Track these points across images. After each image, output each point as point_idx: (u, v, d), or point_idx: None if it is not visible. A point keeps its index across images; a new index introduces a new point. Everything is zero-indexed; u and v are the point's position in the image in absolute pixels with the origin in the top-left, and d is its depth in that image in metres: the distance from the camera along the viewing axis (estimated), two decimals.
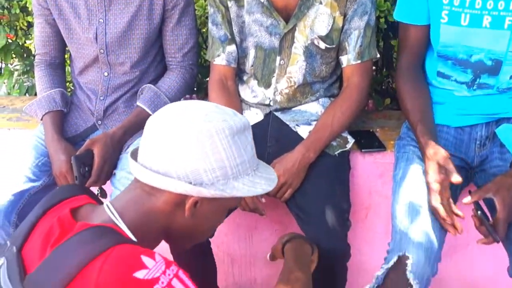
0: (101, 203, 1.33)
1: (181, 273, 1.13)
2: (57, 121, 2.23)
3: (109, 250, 1.09)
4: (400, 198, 1.89)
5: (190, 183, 1.22)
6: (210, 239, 2.20)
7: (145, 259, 1.10)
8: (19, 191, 2.04)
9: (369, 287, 1.84)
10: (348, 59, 2.12)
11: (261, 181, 1.32)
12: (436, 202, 1.77)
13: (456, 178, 1.77)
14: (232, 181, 1.26)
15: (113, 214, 1.23)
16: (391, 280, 1.78)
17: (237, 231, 2.55)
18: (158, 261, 1.11)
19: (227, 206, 1.35)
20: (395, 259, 1.75)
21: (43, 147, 2.21)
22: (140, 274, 1.08)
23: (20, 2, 3.02)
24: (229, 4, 2.10)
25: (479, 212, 1.74)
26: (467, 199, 1.76)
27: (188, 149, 1.21)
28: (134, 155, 1.34)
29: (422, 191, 1.85)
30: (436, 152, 1.84)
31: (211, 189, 1.23)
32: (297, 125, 2.17)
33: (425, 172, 1.85)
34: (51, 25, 2.30)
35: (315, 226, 1.93)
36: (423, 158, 1.90)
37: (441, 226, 1.80)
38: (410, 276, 1.72)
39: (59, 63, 2.41)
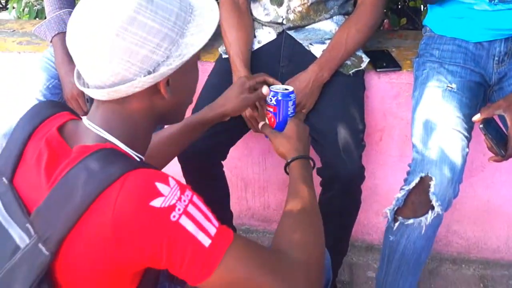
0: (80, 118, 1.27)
1: (195, 198, 1.10)
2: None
3: (122, 178, 1.05)
4: (421, 117, 1.85)
5: (150, 72, 1.15)
6: (222, 162, 2.19)
7: (160, 186, 1.06)
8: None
9: (388, 210, 1.83)
10: None
11: (204, 18, 1.22)
12: None
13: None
14: (180, 39, 1.17)
15: (100, 131, 1.18)
16: (412, 202, 1.76)
17: (250, 155, 2.54)
18: (172, 186, 1.07)
19: (195, 61, 1.28)
20: (417, 180, 1.73)
21: (53, 69, 2.18)
22: (156, 203, 1.04)
23: None
24: None
25: (481, 125, 1.67)
26: (477, 116, 1.70)
27: (124, 44, 1.12)
28: (80, 80, 1.27)
29: (444, 109, 1.81)
30: None
31: (171, 62, 1.16)
32: (310, 43, 2.11)
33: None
34: None
35: (330, 147, 1.91)
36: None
37: (464, 146, 1.76)
38: (432, 197, 1.70)
39: None
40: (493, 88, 1.99)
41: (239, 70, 2.03)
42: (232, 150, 2.18)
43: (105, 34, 1.11)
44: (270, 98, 1.60)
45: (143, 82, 1.15)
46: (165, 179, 1.08)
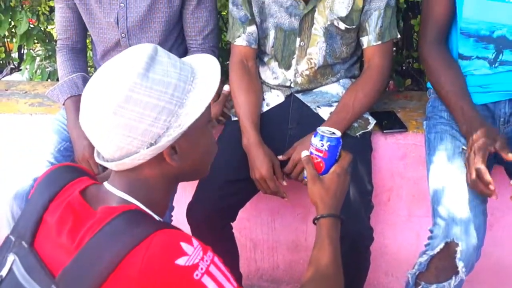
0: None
1: (216, 259, 1.14)
2: (79, 106, 2.22)
3: (149, 239, 1.10)
4: (439, 181, 1.86)
5: (151, 144, 1.19)
6: (232, 223, 2.20)
7: (185, 246, 1.11)
8: (40, 176, 2.05)
9: (410, 274, 1.82)
10: (368, 40, 2.10)
11: (205, 83, 1.25)
12: (480, 163, 1.73)
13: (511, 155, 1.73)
14: (180, 110, 1.20)
15: (122, 194, 1.22)
16: (435, 267, 1.75)
17: (259, 216, 2.55)
18: (196, 247, 1.12)
19: (203, 126, 1.29)
20: (441, 245, 1.72)
21: (65, 132, 2.22)
22: (181, 261, 1.09)
23: None
24: None
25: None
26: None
27: (123, 121, 1.16)
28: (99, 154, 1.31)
29: (463, 172, 1.82)
30: (490, 131, 1.81)
31: (171, 133, 1.19)
32: (318, 106, 2.16)
33: (467, 140, 1.83)
34: (72, 10, 2.30)
35: None
36: (464, 133, 1.88)
37: (485, 209, 1.77)
38: (459, 263, 1.70)
39: (81, 48, 2.41)
40: None
41: (248, 131, 2.06)
42: (241, 211, 2.20)
43: (103, 113, 1.17)
44: (322, 143, 1.52)
45: (144, 155, 1.19)
46: (189, 239, 1.12)
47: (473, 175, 1.72)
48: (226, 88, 2.00)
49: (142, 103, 1.16)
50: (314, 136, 1.52)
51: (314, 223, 1.47)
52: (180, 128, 1.20)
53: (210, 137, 1.34)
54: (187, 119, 1.20)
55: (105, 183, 1.26)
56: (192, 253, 1.10)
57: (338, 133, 1.54)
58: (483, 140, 1.77)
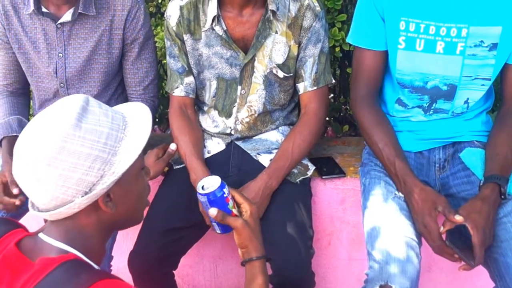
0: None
1: None
2: (13, 145, 2.19)
3: None
4: (372, 226, 1.90)
5: (86, 192, 1.20)
6: (174, 271, 2.19)
7: None
8: None
9: None
10: (304, 86, 2.15)
11: (137, 131, 1.27)
12: (441, 249, 1.80)
13: (459, 217, 1.76)
14: (113, 158, 1.21)
15: (59, 244, 1.22)
16: None
17: (201, 262, 2.54)
18: None
19: (136, 173, 1.30)
20: None
21: None
22: None
23: None
24: (185, 37, 2.12)
25: (447, 242, 1.76)
26: (440, 229, 1.78)
27: (57, 172, 1.17)
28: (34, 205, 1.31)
29: (394, 218, 1.87)
30: (426, 194, 1.86)
31: (105, 181, 1.21)
32: (258, 153, 2.19)
33: (415, 219, 1.86)
34: (13, 58, 2.29)
35: (280, 254, 1.93)
36: (401, 192, 1.93)
37: (418, 253, 1.81)
38: None
39: (22, 93, 2.40)
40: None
41: (195, 167, 2.08)
42: (183, 258, 2.19)
43: (37, 164, 1.17)
44: (206, 204, 1.49)
45: (79, 204, 1.20)
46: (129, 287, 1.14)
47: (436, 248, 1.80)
48: (172, 147, 2.04)
49: (76, 153, 1.17)
50: (198, 196, 1.51)
51: (243, 265, 1.48)
52: (114, 175, 1.21)
53: (143, 183, 1.35)
54: (121, 167, 1.22)
55: (41, 234, 1.25)
56: None
57: (217, 182, 1.50)
58: (426, 211, 1.82)
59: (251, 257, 1.46)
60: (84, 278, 1.12)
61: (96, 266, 1.24)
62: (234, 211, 1.50)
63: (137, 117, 1.30)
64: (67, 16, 2.15)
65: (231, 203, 1.50)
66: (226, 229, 1.52)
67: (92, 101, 1.25)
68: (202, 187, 1.50)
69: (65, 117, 1.18)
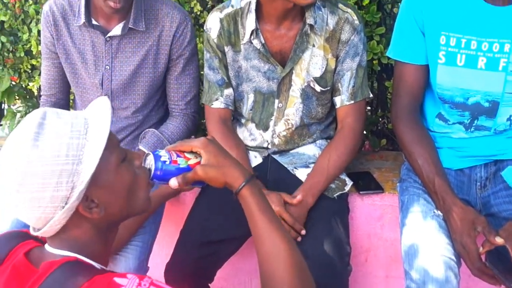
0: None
1: (155, 281, 1.13)
2: None
3: (88, 283, 1.11)
4: (410, 244, 1.86)
5: (62, 206, 1.19)
6: (209, 284, 2.19)
7: (118, 280, 1.11)
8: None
9: None
10: (341, 100, 2.13)
11: (97, 132, 1.23)
12: (480, 271, 1.76)
13: (499, 239, 1.72)
14: (79, 167, 1.19)
15: (63, 251, 1.23)
16: None
17: (236, 275, 2.53)
18: (130, 278, 1.12)
19: (114, 169, 1.26)
20: None
21: None
22: None
23: (25, 46, 3.07)
24: (226, 49, 2.12)
25: (487, 263, 1.73)
26: (480, 250, 1.74)
27: (28, 196, 1.17)
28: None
29: (432, 236, 1.84)
30: (465, 213, 1.82)
31: (78, 190, 1.19)
32: (295, 167, 2.18)
33: (453, 239, 1.82)
34: (58, 68, 2.34)
35: (317, 271, 1.90)
36: (440, 210, 1.90)
37: (457, 273, 1.78)
38: None
39: (64, 104, 2.45)
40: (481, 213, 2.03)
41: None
42: (218, 271, 2.18)
43: (9, 193, 1.18)
44: (164, 182, 1.33)
45: (59, 220, 1.20)
46: (122, 275, 1.14)
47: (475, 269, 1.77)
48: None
49: (39, 173, 1.16)
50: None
51: (236, 198, 1.32)
52: (84, 182, 1.19)
53: (128, 174, 1.29)
54: (88, 171, 1.19)
55: (46, 245, 1.27)
56: (128, 283, 1.11)
57: (150, 160, 1.33)
58: (465, 231, 1.79)
59: (235, 188, 1.30)
60: (81, 275, 1.13)
61: (98, 266, 1.24)
62: (192, 161, 1.33)
63: (97, 116, 1.26)
64: (116, 30, 2.19)
65: (182, 160, 1.33)
66: (201, 182, 1.34)
67: (49, 114, 1.22)
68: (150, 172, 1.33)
69: (22, 140, 1.17)
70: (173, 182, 1.31)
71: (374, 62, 2.51)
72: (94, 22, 2.20)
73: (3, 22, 3.02)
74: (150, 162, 1.32)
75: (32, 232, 1.28)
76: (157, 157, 1.32)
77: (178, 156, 1.33)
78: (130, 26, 2.17)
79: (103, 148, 1.21)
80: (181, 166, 1.32)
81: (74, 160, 1.18)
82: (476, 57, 1.90)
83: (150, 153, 1.33)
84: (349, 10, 2.06)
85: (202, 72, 2.62)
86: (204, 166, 1.31)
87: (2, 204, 1.23)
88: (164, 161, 1.31)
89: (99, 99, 1.32)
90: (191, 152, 1.34)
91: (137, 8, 2.18)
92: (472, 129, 2.01)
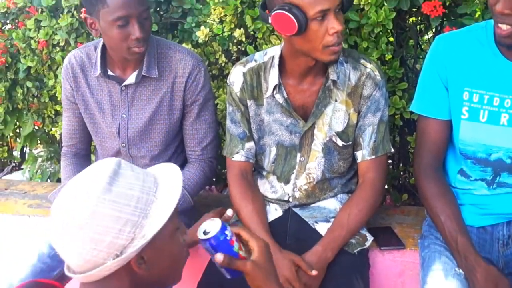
0: None
1: None
2: None
3: None
4: None
5: (117, 255, 1.22)
6: None
7: None
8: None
9: None
10: (363, 155, 2.14)
11: (168, 193, 1.29)
12: None
13: None
14: (144, 221, 1.23)
15: None
16: None
17: None
18: None
19: (170, 234, 1.31)
20: None
21: None
22: None
23: (50, 92, 3.12)
24: (249, 103, 2.15)
25: None
26: None
27: (89, 235, 1.20)
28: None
29: None
30: (488, 273, 1.82)
31: (136, 243, 1.22)
32: (315, 222, 2.17)
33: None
34: (78, 119, 2.39)
35: None
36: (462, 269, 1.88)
37: None
38: None
39: (84, 154, 2.49)
40: (503, 273, 1.99)
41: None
42: None
43: (70, 228, 1.21)
44: (210, 250, 1.39)
45: (111, 266, 1.22)
46: None
47: None
48: (229, 212, 1.91)
49: (107, 216, 1.20)
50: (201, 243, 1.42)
51: None
52: (144, 238, 1.23)
53: (178, 244, 1.36)
54: (151, 229, 1.23)
55: None
56: None
57: (218, 224, 1.39)
58: None
59: None
60: None
61: None
62: (242, 253, 1.41)
63: (168, 179, 1.32)
64: (131, 79, 2.24)
65: (236, 245, 1.40)
66: (237, 273, 1.41)
67: (124, 164, 1.29)
68: (204, 232, 1.40)
69: (97, 181, 1.23)
70: (219, 258, 1.35)
71: (396, 117, 2.52)
72: (110, 72, 2.26)
73: (29, 67, 3.09)
74: (213, 227, 1.39)
75: (67, 273, 1.30)
76: (223, 228, 1.38)
77: (236, 239, 1.41)
78: (143, 73, 2.22)
79: (172, 210, 1.27)
80: (233, 249, 1.39)
81: (141, 213, 1.23)
82: (499, 113, 1.90)
83: (220, 220, 1.40)
84: (371, 65, 2.08)
85: (224, 122, 2.66)
86: (255, 266, 1.36)
87: (53, 237, 1.25)
88: (226, 235, 1.38)
89: (170, 165, 1.38)
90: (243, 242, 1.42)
91: (150, 55, 2.23)
92: (495, 185, 2.00)
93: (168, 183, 1.32)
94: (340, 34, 1.87)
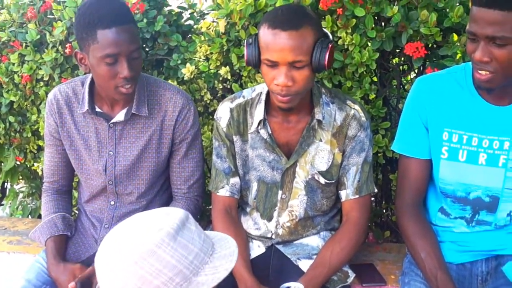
0: None
1: None
2: (58, 245, 2.24)
3: None
4: None
5: None
6: None
7: None
8: None
9: None
10: (347, 194, 2.16)
11: (221, 262, 1.32)
12: None
13: None
14: (194, 278, 1.26)
15: None
16: None
17: None
18: None
19: None
20: None
21: (45, 275, 2.21)
22: None
23: (32, 127, 3.08)
24: (235, 138, 2.17)
25: None
26: None
27: (141, 273, 1.22)
28: None
29: None
30: None
31: None
32: (298, 258, 2.18)
33: None
34: (61, 155, 2.35)
35: None
36: None
37: None
38: None
39: (67, 190, 2.45)
40: None
41: (245, 277, 2.06)
42: None
43: (125, 260, 1.22)
44: None
45: None
46: None
47: None
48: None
49: (164, 261, 1.23)
50: None
51: None
52: None
53: None
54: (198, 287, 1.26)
55: None
56: None
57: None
58: None
59: None
60: None
61: None
62: None
63: (224, 249, 1.36)
64: (120, 116, 2.22)
65: None
66: None
67: (191, 219, 1.33)
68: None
69: (165, 225, 1.26)
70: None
71: (379, 155, 2.55)
72: (97, 109, 2.24)
73: (12, 102, 3.02)
74: None
75: None
76: None
77: None
78: (133, 111, 2.20)
79: (224, 277, 1.31)
80: None
81: (193, 269, 1.27)
82: (477, 153, 1.95)
83: None
84: (356, 107, 2.12)
85: (209, 159, 2.68)
86: None
87: (100, 268, 1.26)
88: None
89: (229, 239, 1.43)
90: None
91: (140, 93, 2.22)
92: (474, 223, 2.04)
93: (224, 253, 1.36)
94: (285, 88, 1.92)
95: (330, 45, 1.92)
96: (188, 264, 1.25)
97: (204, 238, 1.33)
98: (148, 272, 1.22)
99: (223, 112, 2.19)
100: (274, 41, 1.89)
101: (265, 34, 1.91)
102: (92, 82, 2.22)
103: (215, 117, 2.23)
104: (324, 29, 2.07)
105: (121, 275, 1.22)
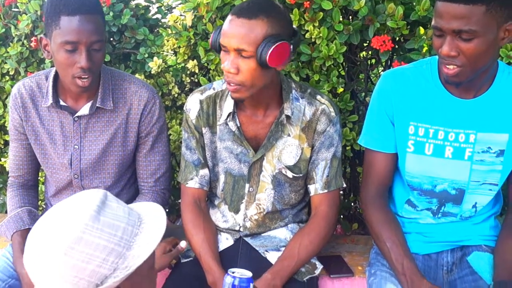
0: None
1: None
2: (24, 240, 2.19)
3: None
4: None
5: (97, 285, 1.22)
6: None
7: None
8: None
9: None
10: (315, 188, 2.17)
11: (151, 229, 1.31)
12: None
13: None
14: (128, 252, 1.25)
15: None
16: None
17: None
18: None
19: (147, 270, 1.33)
20: None
21: (11, 269, 2.18)
22: None
23: None
24: (204, 130, 2.17)
25: None
26: None
27: (72, 262, 1.20)
28: None
29: None
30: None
31: (118, 274, 1.23)
32: (266, 250, 2.19)
33: None
34: (26, 149, 2.32)
35: None
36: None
37: None
38: None
39: (32, 185, 2.42)
40: None
41: (212, 269, 2.07)
42: None
43: (53, 253, 1.20)
44: (234, 284, 1.63)
45: None
46: None
47: None
48: (183, 244, 2.00)
49: (93, 244, 1.20)
50: (226, 276, 1.68)
51: None
52: (126, 269, 1.23)
53: (153, 282, 1.39)
54: (134, 261, 1.25)
55: None
56: None
57: (249, 274, 1.67)
58: None
59: None
60: None
61: None
62: None
63: (152, 216, 1.35)
64: (84, 110, 2.21)
65: None
66: None
67: (110, 197, 1.30)
68: (233, 272, 1.66)
69: (85, 209, 1.23)
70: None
71: (347, 148, 2.57)
72: (62, 102, 2.21)
73: None
74: (247, 274, 1.79)
75: None
76: (251, 281, 1.78)
77: None
78: (98, 105, 2.19)
79: (157, 243, 1.29)
80: None
81: (125, 244, 1.25)
82: (443, 147, 1.98)
83: (251, 277, 1.80)
84: (326, 102, 2.13)
85: (177, 153, 2.68)
86: None
87: (29, 264, 1.24)
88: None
89: (153, 204, 1.42)
90: None
91: (105, 87, 2.20)
92: (440, 215, 2.07)
93: (152, 219, 1.34)
94: (229, 74, 1.95)
95: (279, 43, 1.89)
96: (118, 240, 1.23)
97: (128, 211, 1.30)
98: (80, 260, 1.20)
99: (193, 104, 2.18)
100: (226, 26, 1.93)
101: (225, 20, 1.95)
102: (56, 76, 2.19)
103: (184, 108, 2.22)
104: (293, 28, 2.07)
105: (54, 271, 1.20)
